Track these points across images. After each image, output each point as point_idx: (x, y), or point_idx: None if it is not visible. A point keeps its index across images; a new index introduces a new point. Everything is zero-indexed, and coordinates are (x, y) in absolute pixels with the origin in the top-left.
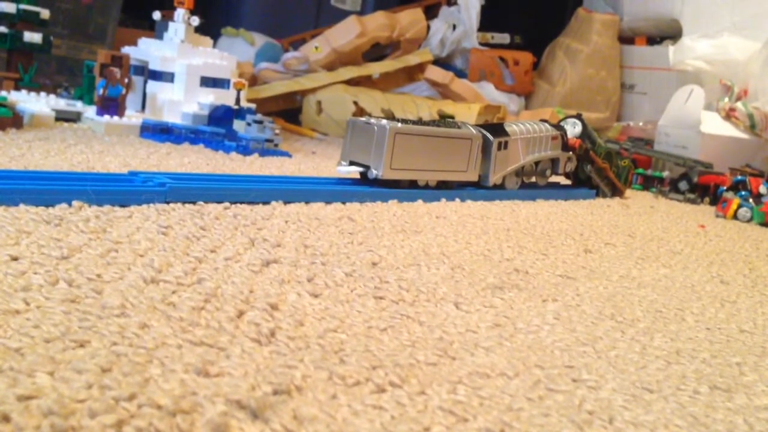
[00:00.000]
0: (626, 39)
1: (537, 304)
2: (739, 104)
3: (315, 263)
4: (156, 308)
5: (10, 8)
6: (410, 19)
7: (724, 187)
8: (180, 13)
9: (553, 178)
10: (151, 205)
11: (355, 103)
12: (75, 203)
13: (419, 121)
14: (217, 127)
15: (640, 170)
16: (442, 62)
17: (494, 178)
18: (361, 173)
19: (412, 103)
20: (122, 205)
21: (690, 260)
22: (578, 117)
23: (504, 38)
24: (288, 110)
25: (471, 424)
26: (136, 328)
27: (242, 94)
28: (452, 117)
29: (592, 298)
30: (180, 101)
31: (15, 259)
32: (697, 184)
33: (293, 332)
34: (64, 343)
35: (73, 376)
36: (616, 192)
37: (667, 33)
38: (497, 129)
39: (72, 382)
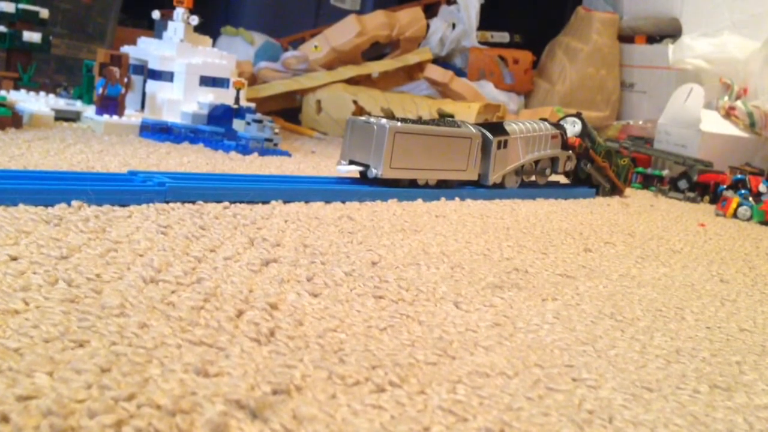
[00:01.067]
0: (626, 38)
1: (537, 303)
2: (738, 103)
3: (314, 263)
4: (155, 308)
5: (9, 8)
6: (410, 18)
7: (724, 186)
8: (179, 12)
9: (553, 177)
10: (151, 204)
11: (355, 102)
12: (74, 203)
13: (419, 120)
14: (217, 127)
15: (640, 169)
16: (441, 61)
17: (494, 177)
18: (361, 172)
19: (411, 102)
20: (122, 205)
21: (690, 259)
22: (578, 116)
23: (503, 37)
24: (287, 109)
25: (471, 424)
26: (135, 328)
27: (242, 93)
28: (452, 116)
29: (591, 297)
30: (179, 100)
31: (14, 258)
32: (696, 182)
33: (293, 332)
34: (63, 343)
35: (73, 376)
36: (615, 191)
37: (667, 32)
38: (497, 128)
39: (71, 382)
